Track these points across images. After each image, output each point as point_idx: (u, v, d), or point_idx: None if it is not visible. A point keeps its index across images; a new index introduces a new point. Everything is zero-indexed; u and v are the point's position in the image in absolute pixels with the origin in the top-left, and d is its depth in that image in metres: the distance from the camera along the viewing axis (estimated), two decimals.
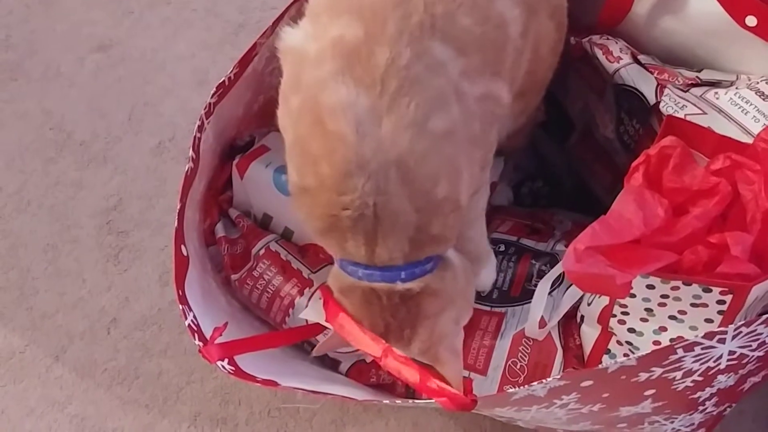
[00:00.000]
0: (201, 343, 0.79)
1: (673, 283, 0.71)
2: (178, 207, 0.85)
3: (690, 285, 0.71)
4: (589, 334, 0.85)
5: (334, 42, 0.75)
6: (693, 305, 0.72)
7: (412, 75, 0.73)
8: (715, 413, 0.85)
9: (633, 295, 0.75)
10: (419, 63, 0.74)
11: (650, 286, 0.72)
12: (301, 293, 0.93)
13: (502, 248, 0.99)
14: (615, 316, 0.79)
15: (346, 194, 0.74)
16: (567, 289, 0.87)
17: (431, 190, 0.76)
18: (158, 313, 1.17)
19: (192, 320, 0.81)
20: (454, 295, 0.83)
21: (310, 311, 0.91)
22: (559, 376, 0.68)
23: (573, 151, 1.15)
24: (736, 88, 0.89)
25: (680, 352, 0.67)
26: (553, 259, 0.96)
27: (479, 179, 0.86)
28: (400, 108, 0.73)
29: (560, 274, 0.88)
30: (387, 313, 0.80)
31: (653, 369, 0.69)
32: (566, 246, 0.97)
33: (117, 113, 1.40)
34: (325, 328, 0.90)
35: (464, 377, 0.88)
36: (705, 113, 0.87)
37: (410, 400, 0.85)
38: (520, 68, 0.87)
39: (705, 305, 0.72)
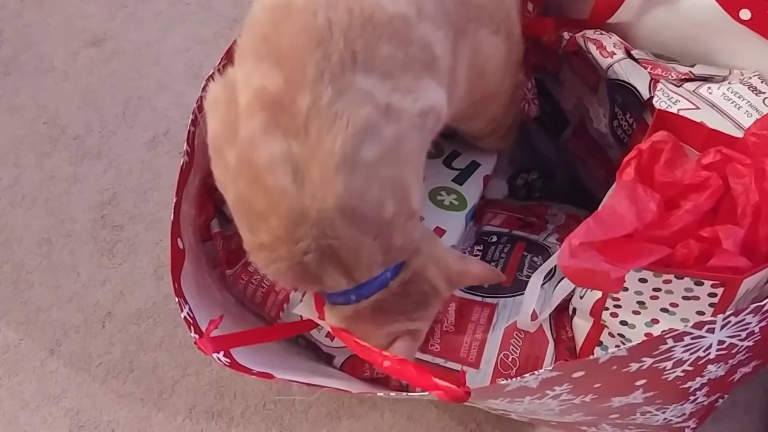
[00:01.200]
0: (197, 336, 0.80)
1: (666, 276, 0.71)
2: (174, 200, 0.85)
3: (682, 278, 0.71)
4: (582, 326, 0.86)
5: (258, 93, 0.75)
6: (685, 298, 0.73)
7: (333, 113, 0.73)
8: (706, 403, 0.86)
9: (626, 289, 0.76)
10: (341, 99, 0.73)
11: (643, 280, 0.73)
12: (295, 288, 0.93)
13: (494, 239, 0.99)
14: (607, 309, 0.80)
15: (301, 241, 0.75)
16: (559, 282, 0.87)
17: (380, 217, 0.76)
18: (153, 307, 1.17)
19: (188, 313, 0.81)
20: (428, 242, 0.85)
21: (304, 307, 0.91)
22: (551, 368, 0.69)
23: (567, 145, 1.15)
24: (729, 83, 0.89)
25: (670, 342, 0.68)
26: (544, 252, 0.96)
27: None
28: (325, 150, 0.73)
29: (552, 267, 0.88)
30: (405, 300, 0.82)
31: (644, 359, 0.70)
32: (558, 239, 0.98)
33: (111, 107, 1.40)
34: (318, 324, 0.91)
35: (457, 370, 0.88)
36: (698, 108, 0.87)
37: (404, 393, 0.86)
38: (457, 86, 0.88)
39: (697, 298, 0.73)
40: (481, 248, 0.98)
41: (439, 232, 0.97)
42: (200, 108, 0.89)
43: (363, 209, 0.75)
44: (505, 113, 1.04)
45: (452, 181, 1.03)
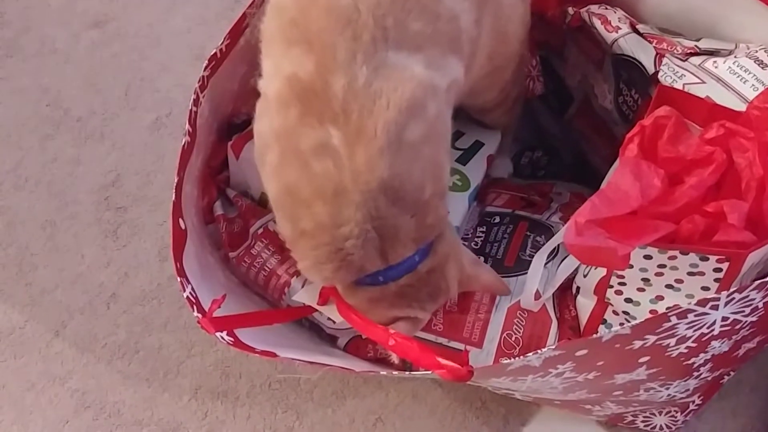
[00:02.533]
0: (200, 315, 0.80)
1: (671, 252, 0.71)
2: (176, 180, 0.85)
3: (687, 254, 0.71)
4: (585, 304, 0.85)
5: (291, 82, 0.75)
6: (690, 274, 0.73)
7: (372, 93, 0.72)
8: (710, 379, 0.85)
9: (630, 266, 0.75)
10: (378, 78, 0.73)
11: (647, 257, 0.72)
12: (297, 273, 0.93)
13: (497, 219, 0.99)
14: (612, 287, 0.80)
15: (344, 225, 0.75)
16: (562, 261, 0.87)
17: (420, 197, 0.77)
18: (158, 288, 1.17)
19: (190, 292, 0.81)
20: (454, 235, 0.86)
21: (304, 294, 0.91)
22: (554, 346, 0.69)
23: (572, 123, 1.14)
24: (735, 56, 0.88)
25: (674, 320, 0.68)
26: (547, 231, 0.95)
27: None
28: (368, 134, 0.72)
29: (555, 246, 0.88)
30: (423, 290, 0.82)
31: (647, 337, 0.70)
32: (561, 218, 0.98)
33: (113, 89, 1.40)
34: (317, 310, 0.91)
35: (460, 350, 0.88)
36: (704, 82, 0.86)
37: (407, 372, 0.86)
38: (477, 53, 0.87)
39: (702, 273, 0.72)
40: (484, 229, 0.98)
41: None
42: (202, 88, 0.89)
43: (405, 191, 0.75)
44: (513, 83, 1.03)
45: (455, 161, 1.02)
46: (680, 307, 0.67)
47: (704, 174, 0.73)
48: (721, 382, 0.91)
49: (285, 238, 0.81)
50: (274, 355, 0.82)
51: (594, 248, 0.66)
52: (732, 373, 0.91)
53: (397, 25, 0.74)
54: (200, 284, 0.83)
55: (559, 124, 1.18)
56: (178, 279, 0.81)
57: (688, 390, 0.84)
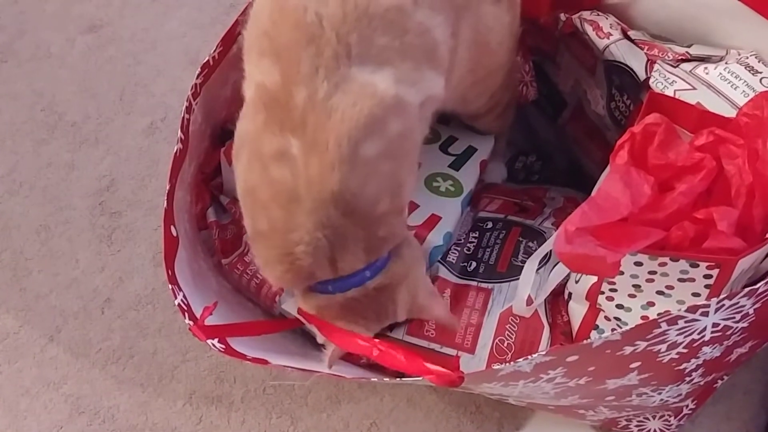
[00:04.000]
0: (191, 322, 0.80)
1: (661, 259, 0.71)
2: (168, 188, 0.85)
3: (677, 261, 0.71)
4: (577, 310, 0.86)
5: (259, 90, 0.77)
6: (680, 280, 0.73)
7: (328, 108, 0.73)
8: (703, 383, 0.86)
9: (621, 272, 0.75)
10: (338, 93, 0.74)
11: (638, 263, 0.73)
12: (281, 287, 0.93)
13: (490, 225, 0.99)
14: (603, 293, 0.80)
15: (295, 231, 0.76)
16: (554, 266, 0.87)
17: (372, 212, 0.77)
18: (152, 293, 1.17)
19: (182, 299, 0.81)
20: (413, 261, 0.86)
21: (293, 305, 0.92)
22: (544, 352, 0.69)
23: (565, 128, 1.14)
24: (726, 62, 0.88)
25: (664, 326, 0.68)
26: (540, 237, 0.96)
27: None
28: (321, 146, 0.73)
29: (547, 252, 0.88)
30: (370, 308, 0.83)
31: (638, 342, 0.70)
32: (554, 223, 0.98)
33: (108, 94, 1.40)
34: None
35: (452, 355, 0.88)
36: (695, 89, 0.87)
37: (398, 378, 0.86)
38: (457, 66, 0.88)
39: (692, 280, 0.72)
40: (477, 234, 0.98)
41: (435, 218, 0.97)
42: (194, 95, 0.89)
43: (357, 204, 0.76)
44: (503, 89, 1.03)
45: (448, 166, 1.03)
46: (670, 314, 0.67)
47: (694, 181, 0.73)
48: (714, 386, 0.91)
49: (247, 234, 0.83)
50: (266, 362, 0.82)
51: (584, 256, 0.66)
52: (725, 378, 0.91)
53: (362, 41, 0.75)
54: (192, 291, 0.83)
55: (553, 129, 1.19)
56: (170, 286, 0.81)
57: (681, 395, 0.85)
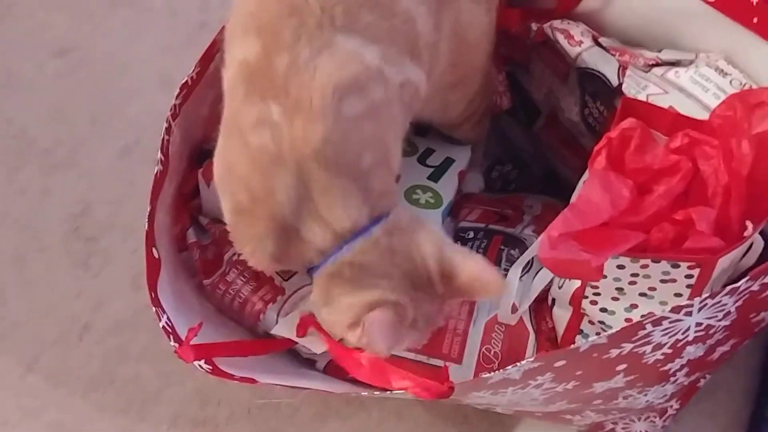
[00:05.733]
0: (176, 344, 0.79)
1: (643, 261, 0.72)
2: (149, 209, 0.85)
3: (659, 262, 0.72)
4: (562, 316, 0.86)
5: (240, 67, 0.76)
6: (662, 281, 0.74)
7: (312, 67, 0.73)
8: (687, 383, 0.87)
9: (604, 276, 0.76)
10: (321, 56, 0.73)
11: (620, 266, 0.73)
12: (273, 300, 0.93)
13: (471, 235, 0.99)
14: (587, 297, 0.80)
15: (277, 192, 0.74)
16: (537, 273, 0.88)
17: (359, 164, 0.75)
18: (132, 317, 1.15)
19: (166, 321, 0.81)
20: (420, 218, 0.81)
21: (282, 328, 0.91)
22: (532, 358, 0.69)
23: (540, 136, 1.16)
24: (696, 66, 0.90)
25: (649, 327, 0.69)
26: (521, 244, 0.96)
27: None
28: (303, 105, 0.73)
29: (530, 259, 0.89)
30: (389, 260, 0.76)
31: (623, 345, 0.71)
32: (534, 231, 0.99)
33: (80, 118, 1.38)
34: (296, 342, 0.90)
35: (439, 366, 0.88)
36: (667, 92, 0.88)
37: (388, 391, 0.86)
38: (438, 61, 0.88)
39: (674, 280, 0.73)
40: (459, 245, 0.98)
41: None
42: (174, 116, 0.89)
43: (341, 158, 0.74)
44: (481, 96, 1.04)
45: (427, 178, 1.03)
46: (655, 315, 0.67)
47: (671, 183, 0.74)
48: (697, 385, 0.92)
49: (226, 219, 0.80)
50: (254, 380, 0.81)
51: (568, 261, 0.66)
52: (708, 376, 0.92)
53: (347, 14, 0.75)
54: (176, 313, 0.82)
55: (528, 137, 1.20)
56: (154, 309, 0.80)
57: (666, 395, 0.85)
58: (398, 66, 0.79)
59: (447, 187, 1.03)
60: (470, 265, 0.76)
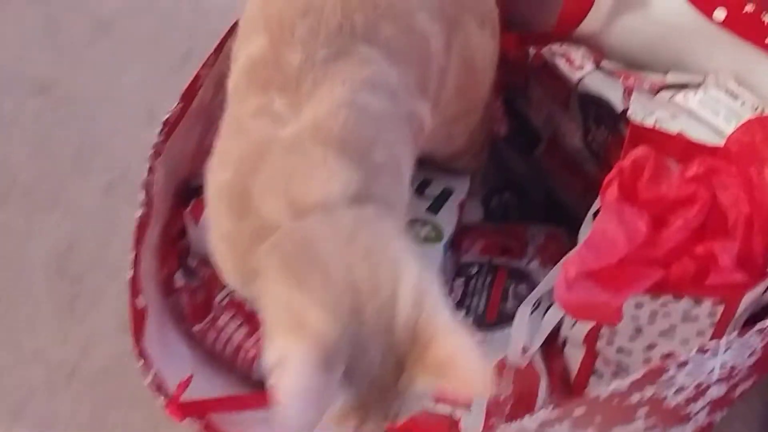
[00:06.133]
0: (165, 400, 0.75)
1: (663, 299, 0.69)
2: (132, 255, 0.80)
3: (680, 299, 0.68)
4: (575, 355, 0.82)
5: (244, 65, 0.72)
6: (683, 320, 0.70)
7: (331, 67, 0.69)
8: (706, 423, 0.83)
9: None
10: (341, 59, 0.69)
11: (639, 305, 0.70)
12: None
13: (475, 270, 0.96)
14: (602, 337, 0.77)
15: (268, 152, 0.68)
16: (546, 310, 0.84)
17: (368, 154, 0.69)
18: (120, 362, 1.10)
19: (154, 375, 0.76)
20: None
21: None
22: (551, 408, 0.65)
23: (541, 162, 1.12)
24: (705, 88, 0.87)
25: (672, 370, 0.65)
26: (527, 278, 0.93)
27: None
28: (318, 97, 0.68)
29: (539, 297, 0.85)
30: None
31: (645, 388, 0.67)
32: (540, 263, 0.95)
33: (63, 154, 1.34)
34: None
35: (446, 414, 0.84)
36: (675, 117, 0.85)
37: None
38: (445, 88, 0.84)
39: (696, 318, 0.70)
40: (463, 280, 0.95)
41: None
42: (156, 155, 0.85)
43: (350, 140, 0.68)
44: (482, 126, 1.00)
45: (426, 210, 0.99)
46: (679, 356, 0.64)
47: (689, 214, 0.70)
48: (715, 420, 0.88)
49: (205, 199, 0.76)
50: None
51: (587, 303, 0.63)
52: (725, 410, 0.88)
53: (367, 24, 0.71)
54: (164, 365, 0.78)
55: (527, 163, 1.16)
56: (140, 362, 0.76)
57: None
58: (409, 96, 0.75)
59: (447, 218, 1.00)
60: (456, 341, 0.58)
